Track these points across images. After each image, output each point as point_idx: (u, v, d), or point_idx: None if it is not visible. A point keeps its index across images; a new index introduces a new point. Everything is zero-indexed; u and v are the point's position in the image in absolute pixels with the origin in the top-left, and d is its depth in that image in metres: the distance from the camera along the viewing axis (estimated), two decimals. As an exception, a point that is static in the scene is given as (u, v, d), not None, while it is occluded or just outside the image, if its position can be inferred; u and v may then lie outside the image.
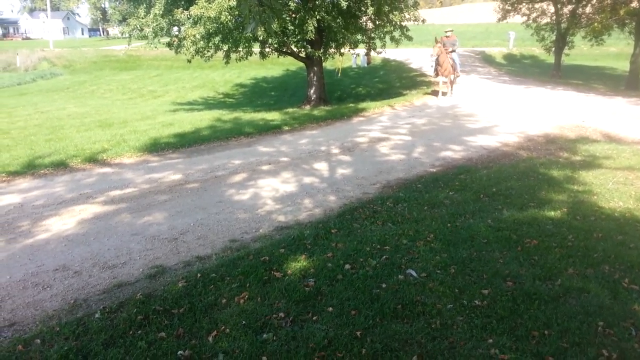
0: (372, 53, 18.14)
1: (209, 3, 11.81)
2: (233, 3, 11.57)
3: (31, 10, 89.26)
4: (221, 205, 5.56)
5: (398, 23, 15.27)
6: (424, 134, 9.64)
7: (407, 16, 15.62)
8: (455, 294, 3.36)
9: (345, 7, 13.54)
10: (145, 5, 14.06)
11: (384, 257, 3.98)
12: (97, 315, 3.17)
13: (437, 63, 14.40)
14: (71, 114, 15.84)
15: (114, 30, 78.66)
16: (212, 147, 8.96)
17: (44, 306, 3.40)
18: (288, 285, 3.55)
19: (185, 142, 9.14)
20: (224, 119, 12.30)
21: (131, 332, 2.97)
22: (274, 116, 12.61)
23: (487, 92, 16.47)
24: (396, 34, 15.99)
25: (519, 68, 26.69)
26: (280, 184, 6.42)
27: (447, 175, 6.61)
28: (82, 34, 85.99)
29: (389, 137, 9.35)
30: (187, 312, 3.20)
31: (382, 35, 16.02)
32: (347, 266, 3.82)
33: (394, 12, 14.96)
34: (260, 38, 13.33)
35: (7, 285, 3.70)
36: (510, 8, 24.09)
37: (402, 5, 15.24)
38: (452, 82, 15.17)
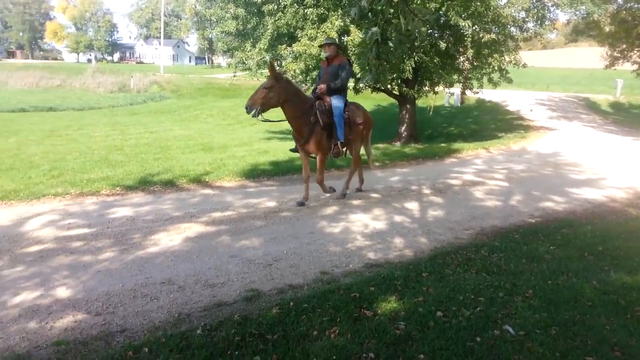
0: (468, 93, 17.93)
1: (311, 41, 12.40)
2: (334, 41, 12.04)
3: (146, 38, 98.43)
4: (313, 236, 5.71)
5: (497, 66, 15.00)
6: (522, 181, 9.27)
7: (507, 59, 15.33)
8: (556, 357, 3.17)
9: (443, 48, 13.58)
10: (251, 40, 15.04)
11: (479, 308, 3.86)
12: (198, 332, 3.37)
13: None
14: (177, 136, 17.08)
15: (218, 59, 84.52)
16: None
17: (151, 316, 3.68)
18: (378, 325, 3.55)
19: (280, 171, 9.50)
20: (316, 151, 12.64)
21: (229, 352, 3.13)
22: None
23: (591, 141, 15.54)
24: (495, 75, 15.70)
25: (627, 118, 24.90)
26: (371, 220, 6.46)
27: (547, 227, 6.29)
28: (190, 61, 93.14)
29: (484, 182, 9.10)
30: (280, 339, 3.30)
31: (479, 77, 15.80)
32: (439, 313, 3.75)
33: (494, 55, 14.74)
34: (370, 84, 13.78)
35: (119, 293, 4.05)
36: (619, 55, 22.81)
37: (503, 49, 14.99)
38: (355, 169, 7.98)
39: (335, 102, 7.01)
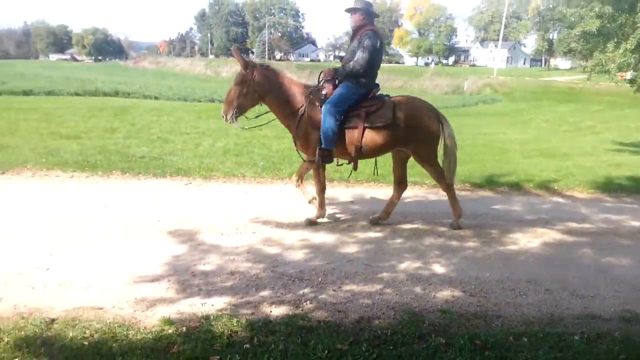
0: None
1: None
2: None
3: (482, 41, 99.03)
4: (703, 270, 4.83)
5: None
6: None
7: None
8: None
9: None
10: (615, 40, 13.42)
11: None
12: (576, 337, 3.36)
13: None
14: (512, 140, 16.81)
15: (555, 61, 78.61)
16: (677, 200, 7.85)
17: (522, 310, 3.84)
18: None
19: (643, 188, 8.34)
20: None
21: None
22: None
23: None
24: None
25: None
26: None
27: None
28: (524, 63, 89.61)
29: None
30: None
31: None
32: None
33: None
34: None
35: (488, 281, 4.35)
36: None
37: None
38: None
39: (337, 92, 5.09)
